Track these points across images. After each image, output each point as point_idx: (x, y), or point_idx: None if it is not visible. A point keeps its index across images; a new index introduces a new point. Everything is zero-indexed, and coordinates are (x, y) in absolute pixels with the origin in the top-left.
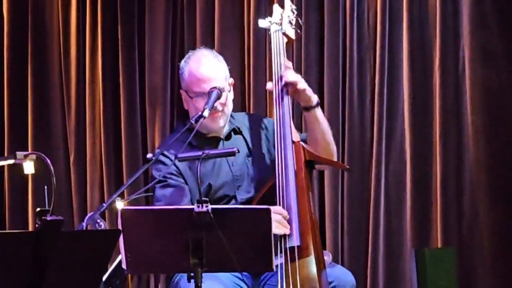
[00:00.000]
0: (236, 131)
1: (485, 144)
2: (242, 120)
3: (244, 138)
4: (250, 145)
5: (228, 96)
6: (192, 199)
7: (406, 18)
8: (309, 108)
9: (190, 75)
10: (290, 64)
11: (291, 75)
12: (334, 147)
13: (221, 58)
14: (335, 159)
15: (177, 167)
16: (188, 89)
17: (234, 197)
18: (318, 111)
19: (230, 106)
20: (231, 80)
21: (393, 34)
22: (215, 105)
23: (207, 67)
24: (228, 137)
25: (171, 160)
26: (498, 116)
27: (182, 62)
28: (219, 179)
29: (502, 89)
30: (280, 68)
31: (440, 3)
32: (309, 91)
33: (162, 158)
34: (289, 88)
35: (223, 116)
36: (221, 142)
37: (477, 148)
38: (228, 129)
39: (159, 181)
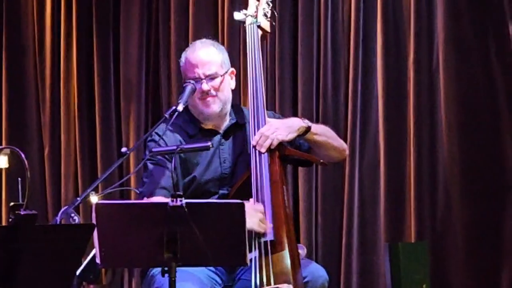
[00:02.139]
0: (238, 127)
1: (458, 139)
2: (242, 114)
3: (243, 136)
4: (248, 144)
5: (224, 83)
6: (178, 186)
7: (380, 13)
8: (300, 135)
9: (186, 62)
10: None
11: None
12: (341, 145)
13: (221, 47)
14: (346, 151)
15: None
16: (185, 75)
17: (217, 193)
18: (311, 136)
19: (227, 93)
20: (231, 69)
21: (367, 29)
22: (206, 88)
23: (201, 53)
24: (227, 135)
25: (165, 142)
26: (471, 111)
27: (183, 52)
28: (207, 174)
29: (476, 85)
30: (255, 61)
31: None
32: (290, 134)
33: (154, 136)
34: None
35: (217, 101)
36: (218, 138)
37: (450, 142)
38: (228, 123)
39: (149, 158)
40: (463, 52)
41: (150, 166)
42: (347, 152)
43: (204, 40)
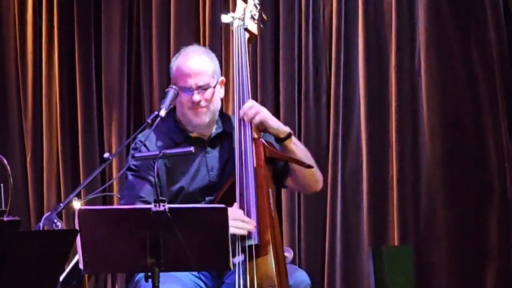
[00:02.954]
0: (225, 135)
1: (441, 142)
2: (229, 122)
3: (230, 144)
4: (233, 152)
5: (215, 94)
6: (163, 195)
7: (361, 16)
8: (279, 140)
9: (177, 70)
10: (249, 102)
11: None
12: (318, 172)
13: (212, 55)
14: (321, 184)
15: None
16: (175, 82)
17: (203, 201)
18: (291, 144)
19: (216, 104)
20: (222, 78)
21: (348, 32)
22: (197, 99)
23: (193, 62)
24: (214, 143)
25: (147, 149)
26: (453, 113)
27: (173, 58)
28: (194, 183)
29: (458, 86)
30: (241, 64)
31: (395, 2)
32: (273, 123)
33: (138, 144)
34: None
35: (207, 113)
36: (204, 148)
37: (433, 145)
38: (215, 132)
39: (131, 169)
40: (445, 56)
41: (131, 177)
42: (321, 185)
43: (196, 47)
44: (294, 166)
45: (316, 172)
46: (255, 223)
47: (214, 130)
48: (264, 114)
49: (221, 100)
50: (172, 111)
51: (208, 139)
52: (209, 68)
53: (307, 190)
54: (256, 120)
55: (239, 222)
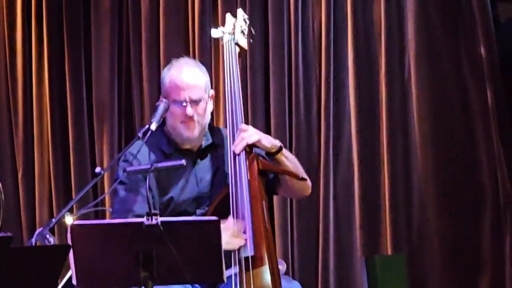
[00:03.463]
0: (214, 147)
1: (432, 151)
2: (220, 135)
3: (218, 156)
4: (222, 164)
5: (207, 108)
6: (155, 207)
7: (350, 27)
8: (270, 154)
9: (170, 82)
10: (243, 127)
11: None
12: (307, 181)
13: (203, 69)
14: (310, 189)
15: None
16: (167, 96)
17: (194, 213)
18: (282, 157)
19: (207, 117)
20: (212, 92)
21: (338, 43)
22: (190, 113)
23: (187, 75)
24: (203, 155)
25: (139, 161)
26: (445, 124)
27: (165, 69)
28: (184, 194)
29: (448, 94)
30: (233, 78)
31: (384, 11)
32: (266, 142)
33: (128, 157)
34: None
35: (198, 126)
36: (194, 159)
37: (424, 154)
38: (205, 143)
39: (122, 182)
40: (435, 65)
41: (122, 192)
42: (310, 190)
43: (187, 59)
44: (285, 176)
45: (304, 184)
46: (245, 237)
47: (204, 142)
48: (257, 137)
49: (212, 112)
50: (161, 123)
51: (197, 151)
52: (202, 81)
53: (297, 196)
54: (248, 142)
55: (230, 237)
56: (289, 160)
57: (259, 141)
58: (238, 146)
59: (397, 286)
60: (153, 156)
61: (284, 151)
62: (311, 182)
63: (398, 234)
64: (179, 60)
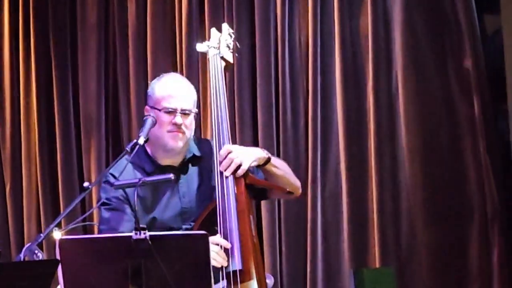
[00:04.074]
0: (196, 159)
1: (420, 164)
2: (208, 146)
3: (201, 169)
4: (207, 177)
5: (193, 122)
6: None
7: (337, 40)
8: (259, 166)
9: (161, 89)
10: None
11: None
12: (296, 182)
13: (193, 87)
14: (300, 189)
15: (125, 192)
16: (155, 103)
17: (180, 229)
18: (270, 167)
19: (192, 133)
20: (196, 110)
21: (325, 56)
22: (179, 122)
23: (179, 85)
24: (185, 169)
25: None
26: (432, 135)
27: (154, 80)
28: (167, 212)
29: (436, 110)
30: (219, 92)
31: (371, 25)
32: (254, 161)
33: (111, 179)
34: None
35: (183, 138)
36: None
37: (412, 167)
38: (186, 157)
39: (104, 203)
40: (422, 78)
41: (106, 213)
42: (300, 190)
43: (178, 75)
44: (275, 179)
45: (295, 181)
46: (226, 258)
47: (185, 155)
48: (245, 161)
49: (200, 126)
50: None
51: (178, 166)
52: (193, 95)
53: (288, 197)
54: (240, 173)
55: (217, 253)
56: (279, 168)
57: (248, 165)
58: (228, 169)
59: None
60: (136, 174)
61: (273, 160)
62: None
63: (386, 247)
64: (170, 73)
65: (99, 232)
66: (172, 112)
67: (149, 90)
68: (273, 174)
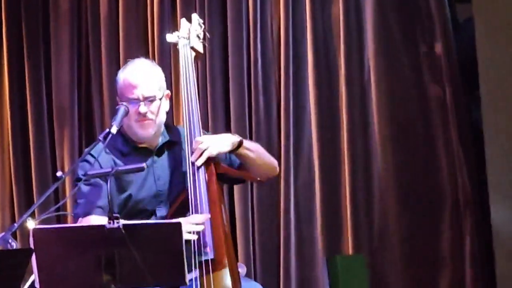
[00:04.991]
0: (171, 144)
1: (392, 152)
2: (177, 134)
3: (175, 154)
4: (180, 163)
5: (161, 107)
6: (114, 206)
7: (309, 29)
8: (232, 151)
9: (124, 81)
10: (198, 139)
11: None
12: (272, 162)
13: (158, 68)
14: (277, 169)
15: (101, 167)
16: (121, 95)
17: (154, 212)
18: (243, 150)
19: (162, 117)
20: (167, 92)
21: (297, 43)
22: (143, 111)
23: (140, 73)
24: (160, 152)
25: (99, 164)
26: (404, 123)
27: (120, 70)
28: (142, 191)
29: (408, 97)
30: (189, 82)
31: (343, 14)
32: (225, 148)
33: (88, 157)
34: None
35: (153, 125)
36: (151, 157)
37: (384, 156)
38: (161, 141)
39: (81, 179)
40: (394, 66)
41: (84, 187)
42: (278, 169)
43: (142, 59)
44: (249, 165)
45: (271, 161)
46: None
47: (160, 140)
48: (212, 148)
49: (172, 114)
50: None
51: (154, 149)
52: (155, 80)
53: (265, 178)
54: (206, 155)
55: (190, 225)
56: (252, 151)
57: (219, 152)
58: (199, 160)
59: (358, 285)
60: (111, 157)
61: (245, 143)
62: (269, 186)
63: (359, 235)
64: (134, 61)
65: (77, 205)
66: (135, 102)
67: (116, 81)
68: (247, 157)
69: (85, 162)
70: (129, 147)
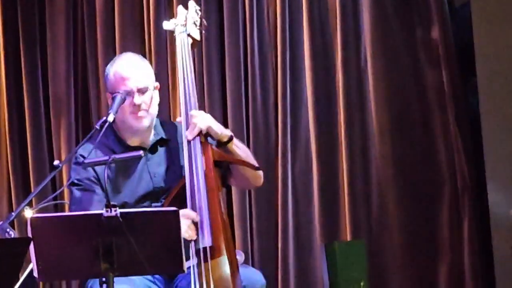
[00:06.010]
0: (163, 141)
1: (390, 138)
2: (174, 129)
3: (170, 150)
4: (176, 157)
5: (154, 98)
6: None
7: (306, 16)
8: (222, 144)
9: (115, 74)
10: (194, 113)
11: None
12: (258, 171)
13: (146, 61)
14: (262, 179)
15: (95, 172)
16: (113, 89)
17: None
18: (233, 146)
19: (155, 108)
20: (157, 84)
21: (294, 32)
22: (138, 102)
23: (131, 66)
24: (154, 149)
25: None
26: (402, 109)
27: (108, 65)
28: (139, 190)
29: (405, 83)
30: (186, 69)
31: (339, 0)
32: (216, 128)
33: (80, 159)
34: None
35: (147, 117)
36: (145, 155)
37: (382, 141)
38: (154, 138)
39: (75, 184)
40: (391, 51)
41: (77, 193)
42: (262, 180)
43: (130, 54)
44: (238, 167)
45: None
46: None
47: (153, 137)
48: (208, 121)
49: (169, 106)
50: (110, 123)
51: (147, 147)
52: (146, 71)
53: (249, 187)
54: (202, 126)
55: (189, 226)
56: (241, 149)
57: (210, 126)
58: (190, 132)
59: (356, 271)
60: (102, 156)
61: (235, 140)
62: (267, 173)
63: (357, 221)
64: (121, 55)
65: (71, 212)
66: (129, 94)
67: (105, 76)
68: (236, 154)
69: (77, 164)
70: (122, 147)
